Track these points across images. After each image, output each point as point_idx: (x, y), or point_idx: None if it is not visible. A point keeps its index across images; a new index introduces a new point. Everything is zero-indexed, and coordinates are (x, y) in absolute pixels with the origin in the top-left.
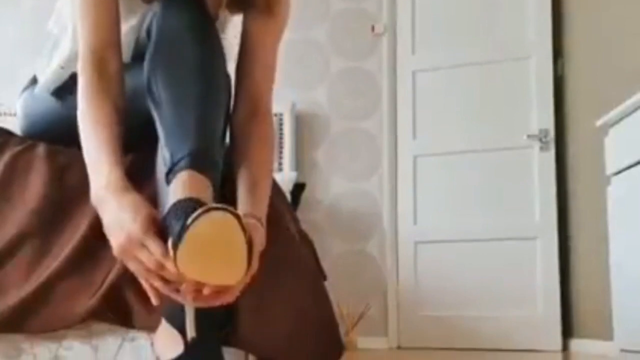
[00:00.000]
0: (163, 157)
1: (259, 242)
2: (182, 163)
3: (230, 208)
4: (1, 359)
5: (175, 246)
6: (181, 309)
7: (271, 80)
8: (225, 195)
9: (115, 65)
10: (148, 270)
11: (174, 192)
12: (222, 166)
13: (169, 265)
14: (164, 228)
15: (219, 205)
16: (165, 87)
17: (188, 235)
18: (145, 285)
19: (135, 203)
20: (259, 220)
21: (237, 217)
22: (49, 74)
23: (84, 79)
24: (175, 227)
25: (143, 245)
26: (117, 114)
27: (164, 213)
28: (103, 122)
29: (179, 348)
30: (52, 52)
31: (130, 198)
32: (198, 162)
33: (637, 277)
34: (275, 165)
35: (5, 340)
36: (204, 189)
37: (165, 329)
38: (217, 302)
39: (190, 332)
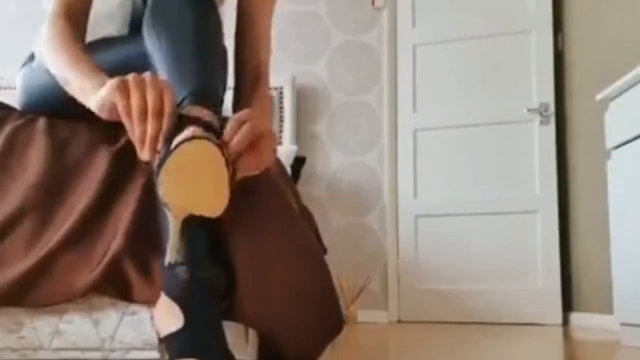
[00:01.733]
0: None
1: (267, 102)
2: (185, 103)
3: (214, 138)
4: (2, 334)
5: (159, 168)
6: (180, 281)
7: (269, 48)
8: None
9: (85, 14)
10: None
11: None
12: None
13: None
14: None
15: (204, 134)
16: (163, 47)
17: (170, 160)
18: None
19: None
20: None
21: (220, 146)
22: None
23: (53, 27)
24: (163, 149)
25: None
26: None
27: None
28: (72, 42)
29: (178, 322)
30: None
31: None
32: (200, 98)
33: (637, 250)
34: None
35: (6, 314)
36: (208, 116)
37: (165, 302)
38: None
39: (170, 257)
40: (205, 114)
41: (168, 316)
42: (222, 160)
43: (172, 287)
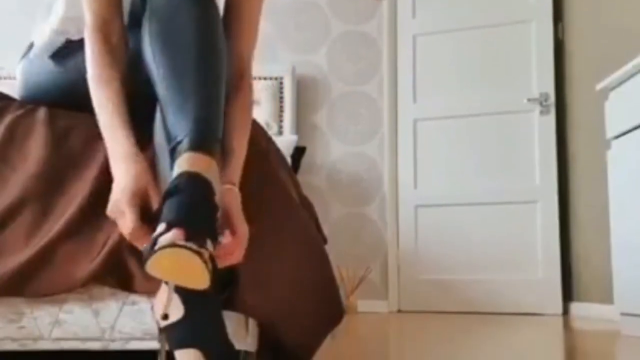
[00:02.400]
0: (163, 124)
1: (235, 206)
2: (185, 143)
3: (194, 246)
4: (2, 323)
5: (145, 259)
6: None
7: (255, 40)
8: None
9: (118, 30)
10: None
11: (178, 166)
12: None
13: (137, 237)
14: (162, 202)
15: (183, 244)
16: (163, 58)
17: (151, 260)
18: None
19: (135, 174)
20: (233, 184)
21: (199, 254)
22: (44, 38)
23: (91, 44)
24: (147, 245)
25: (123, 213)
26: (123, 77)
27: (168, 184)
28: (114, 86)
29: (179, 312)
30: (47, 17)
31: (132, 167)
32: (200, 141)
33: (637, 240)
34: (276, 128)
35: (6, 304)
36: (207, 167)
37: (165, 293)
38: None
39: (165, 309)
40: (203, 164)
41: (170, 306)
42: (201, 265)
43: None
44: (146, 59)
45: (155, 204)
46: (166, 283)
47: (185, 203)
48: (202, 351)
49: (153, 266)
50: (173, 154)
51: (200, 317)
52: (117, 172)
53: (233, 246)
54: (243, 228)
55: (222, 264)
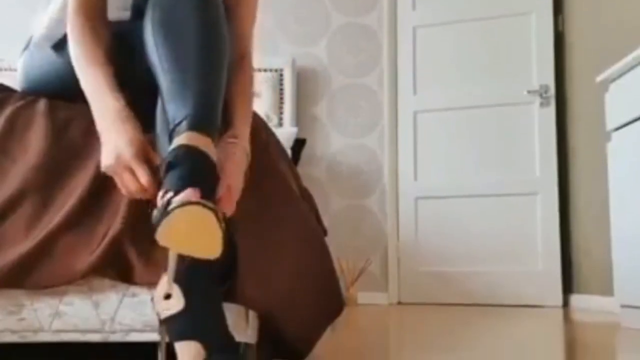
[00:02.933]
0: (164, 113)
1: (240, 160)
2: (184, 124)
3: (209, 203)
4: (2, 315)
5: (157, 224)
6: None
7: (254, 21)
8: None
9: (100, 11)
10: (130, 191)
11: (176, 142)
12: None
13: (150, 191)
14: (159, 166)
15: (198, 200)
16: (165, 48)
17: (164, 223)
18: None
19: (132, 131)
20: (236, 137)
21: (214, 211)
22: (44, 28)
23: (72, 25)
24: (159, 209)
25: (130, 169)
26: (107, 54)
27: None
28: (99, 61)
29: (179, 304)
30: (46, 7)
31: (128, 126)
32: (199, 123)
33: (637, 232)
34: (276, 120)
35: (6, 296)
36: (205, 145)
37: (165, 283)
38: None
39: (168, 287)
40: (203, 142)
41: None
42: (216, 223)
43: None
44: (148, 48)
45: (156, 161)
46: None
47: (191, 169)
48: (202, 343)
49: (166, 230)
50: (171, 135)
51: (201, 309)
52: (112, 133)
53: (228, 197)
54: (239, 181)
55: (226, 208)
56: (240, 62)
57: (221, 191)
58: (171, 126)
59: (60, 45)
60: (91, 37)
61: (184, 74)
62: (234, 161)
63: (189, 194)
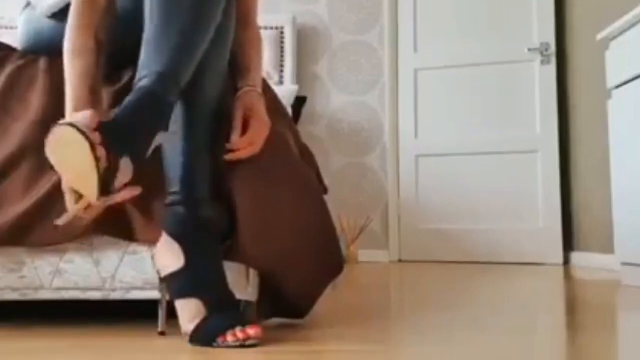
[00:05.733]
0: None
1: (258, 102)
2: (145, 80)
3: (84, 129)
4: (2, 273)
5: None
6: (181, 220)
7: None
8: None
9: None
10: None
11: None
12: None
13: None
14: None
15: (68, 122)
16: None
17: (47, 140)
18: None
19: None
20: (253, 86)
21: (86, 137)
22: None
23: (73, 8)
24: None
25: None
26: (95, 43)
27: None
28: (79, 51)
29: (179, 262)
30: None
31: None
32: (160, 86)
33: (637, 189)
34: (276, 78)
35: (6, 254)
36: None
37: (166, 242)
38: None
39: (62, 219)
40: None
41: (169, 255)
42: (89, 154)
43: (174, 226)
44: (145, 8)
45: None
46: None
47: (132, 107)
48: (202, 300)
49: (48, 142)
50: (135, 86)
51: (201, 267)
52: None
53: (256, 136)
54: (266, 120)
55: (244, 154)
56: (247, 18)
57: (243, 144)
58: (137, 77)
59: (59, 13)
60: (84, 21)
61: (168, 28)
62: (258, 106)
63: (89, 118)
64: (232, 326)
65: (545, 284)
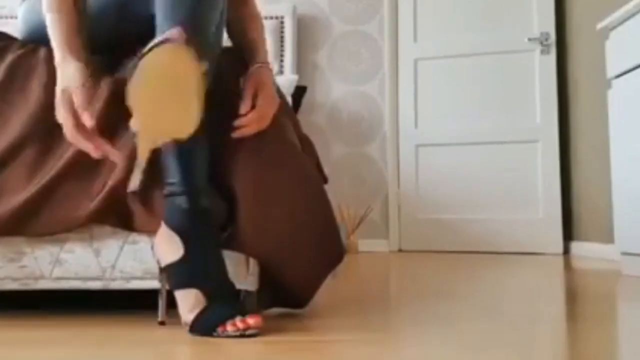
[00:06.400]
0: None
1: (267, 77)
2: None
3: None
4: (2, 263)
5: (129, 78)
6: (180, 211)
7: None
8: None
9: None
10: (69, 126)
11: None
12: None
13: (85, 117)
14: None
15: (179, 37)
16: None
17: (140, 64)
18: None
19: (74, 71)
20: (263, 64)
21: (190, 50)
22: None
23: None
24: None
25: (73, 110)
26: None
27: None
28: (58, 7)
29: (179, 252)
30: None
31: (70, 67)
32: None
33: (637, 180)
34: (276, 68)
35: (7, 243)
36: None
37: (165, 232)
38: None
39: (133, 183)
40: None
41: (168, 246)
42: (194, 66)
43: (173, 216)
44: None
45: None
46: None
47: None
48: (202, 291)
49: (141, 72)
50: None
51: (200, 257)
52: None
53: (265, 111)
54: (275, 96)
55: (252, 130)
56: (243, 4)
57: (251, 119)
58: (158, 35)
59: None
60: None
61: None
62: (268, 81)
63: (175, 32)
64: (232, 316)
65: (545, 274)
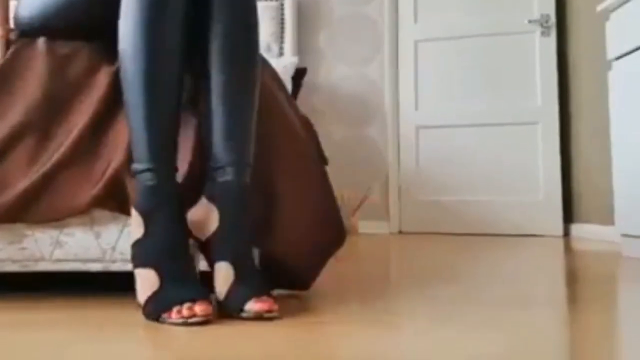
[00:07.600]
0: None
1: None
2: (229, 172)
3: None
4: (3, 245)
5: None
6: (140, 189)
7: None
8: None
9: None
10: None
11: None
12: None
13: None
14: None
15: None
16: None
17: None
18: None
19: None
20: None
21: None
22: None
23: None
24: None
25: None
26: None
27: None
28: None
29: (140, 230)
30: None
31: None
32: (239, 173)
33: (638, 161)
34: (277, 50)
35: (8, 226)
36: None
37: (133, 212)
38: None
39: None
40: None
41: (134, 225)
42: None
43: (137, 195)
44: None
45: None
46: None
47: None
48: (156, 270)
49: None
50: (214, 171)
51: (158, 236)
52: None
53: None
54: None
55: None
56: None
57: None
58: (216, 164)
59: None
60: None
61: (235, 118)
62: None
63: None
64: (181, 301)
65: (545, 256)
